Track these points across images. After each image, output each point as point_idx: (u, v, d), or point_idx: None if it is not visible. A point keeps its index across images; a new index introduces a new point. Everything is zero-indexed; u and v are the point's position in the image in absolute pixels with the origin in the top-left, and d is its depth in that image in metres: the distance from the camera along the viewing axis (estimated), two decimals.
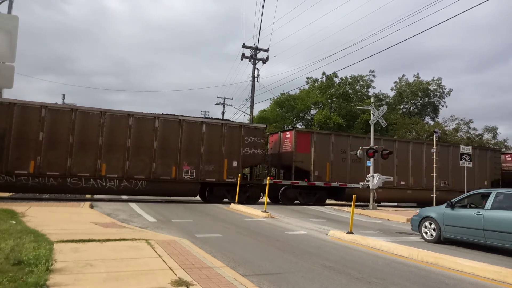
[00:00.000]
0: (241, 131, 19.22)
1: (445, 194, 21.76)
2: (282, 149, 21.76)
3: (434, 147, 19.32)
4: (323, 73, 41.62)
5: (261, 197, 20.28)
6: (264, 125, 21.32)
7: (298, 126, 42.33)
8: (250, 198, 19.25)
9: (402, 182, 23.04)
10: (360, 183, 20.72)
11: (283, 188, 20.55)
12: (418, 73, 46.67)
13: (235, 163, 18.86)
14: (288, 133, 21.65)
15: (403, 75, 47.96)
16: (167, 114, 18.39)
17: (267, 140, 22.95)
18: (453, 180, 23.95)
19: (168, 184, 17.75)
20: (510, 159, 26.65)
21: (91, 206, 13.96)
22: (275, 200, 21.01)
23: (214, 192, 18.77)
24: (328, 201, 22.80)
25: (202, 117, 21.03)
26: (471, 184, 22.72)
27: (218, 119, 20.35)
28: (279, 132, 22.95)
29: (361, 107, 30.61)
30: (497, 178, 25.72)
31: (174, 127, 17.96)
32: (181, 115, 18.47)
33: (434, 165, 19.04)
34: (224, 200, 19.01)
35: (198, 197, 19.45)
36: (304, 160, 20.84)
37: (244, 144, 19.15)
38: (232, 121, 20.30)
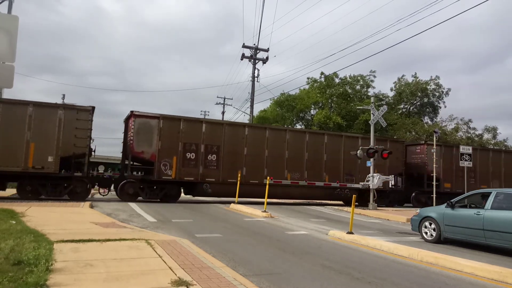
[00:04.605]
0: None
1: None
2: None
3: (434, 147, 19.34)
4: (322, 73, 41.60)
5: None
6: None
7: (298, 126, 42.27)
8: None
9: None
10: (360, 183, 20.72)
11: None
12: (416, 73, 46.44)
13: None
14: None
15: (403, 75, 47.93)
16: None
17: None
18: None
19: None
20: None
21: (91, 206, 13.97)
22: None
23: None
24: (328, 202, 22.63)
25: None
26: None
27: None
28: None
29: (361, 107, 30.57)
30: None
31: None
32: None
33: (434, 165, 19.05)
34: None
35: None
36: None
37: None
38: None
